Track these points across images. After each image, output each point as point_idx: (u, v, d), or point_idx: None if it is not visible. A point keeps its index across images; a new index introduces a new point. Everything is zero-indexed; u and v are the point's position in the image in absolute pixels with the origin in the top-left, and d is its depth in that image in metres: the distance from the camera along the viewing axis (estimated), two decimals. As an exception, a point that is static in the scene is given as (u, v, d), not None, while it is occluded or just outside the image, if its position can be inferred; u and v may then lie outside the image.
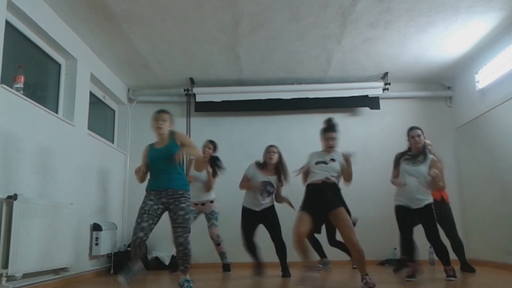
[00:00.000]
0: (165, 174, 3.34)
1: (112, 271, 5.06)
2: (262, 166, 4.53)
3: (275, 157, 4.51)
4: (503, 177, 4.75)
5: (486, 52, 5.10)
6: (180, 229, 3.25)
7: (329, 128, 3.80)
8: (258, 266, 4.50)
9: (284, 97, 6.00)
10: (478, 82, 5.40)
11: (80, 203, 4.41)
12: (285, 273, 4.39)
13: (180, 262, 3.30)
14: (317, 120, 6.15)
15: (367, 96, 6.04)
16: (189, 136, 6.13)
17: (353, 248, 3.32)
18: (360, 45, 4.97)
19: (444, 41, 4.88)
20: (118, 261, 5.09)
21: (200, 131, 6.09)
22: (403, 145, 6.15)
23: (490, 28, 4.56)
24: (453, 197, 5.88)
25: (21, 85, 3.49)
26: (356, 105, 6.12)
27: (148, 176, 3.46)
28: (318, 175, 3.59)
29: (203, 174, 4.84)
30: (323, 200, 3.47)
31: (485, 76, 5.22)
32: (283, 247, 4.42)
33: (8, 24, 3.47)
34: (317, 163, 3.66)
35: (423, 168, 3.93)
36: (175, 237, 3.26)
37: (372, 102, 6.07)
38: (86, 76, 4.84)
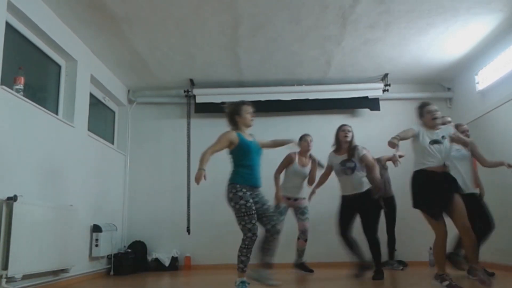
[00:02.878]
0: (259, 170, 3.36)
1: (112, 273, 5.05)
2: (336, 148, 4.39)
3: (349, 136, 4.34)
4: (503, 178, 4.74)
5: (486, 53, 5.10)
6: (275, 216, 3.33)
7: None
8: (359, 266, 4.14)
9: (284, 98, 6.01)
10: (478, 83, 5.40)
11: (80, 204, 4.40)
12: (377, 275, 3.99)
13: (270, 252, 3.27)
14: (317, 121, 6.20)
15: (367, 97, 6.04)
16: (189, 137, 6.15)
17: (466, 234, 3.22)
18: (360, 47, 4.97)
19: (444, 43, 4.88)
20: (118, 263, 5.09)
21: (200, 132, 6.10)
22: (402, 146, 6.17)
23: (490, 30, 4.56)
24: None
25: (21, 86, 3.49)
26: (356, 106, 6.12)
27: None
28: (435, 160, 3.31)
29: (304, 169, 4.73)
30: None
31: (485, 77, 5.22)
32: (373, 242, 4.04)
33: (8, 25, 3.47)
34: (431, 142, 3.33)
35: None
36: (273, 225, 3.24)
37: (372, 103, 6.07)
38: (86, 78, 4.84)
